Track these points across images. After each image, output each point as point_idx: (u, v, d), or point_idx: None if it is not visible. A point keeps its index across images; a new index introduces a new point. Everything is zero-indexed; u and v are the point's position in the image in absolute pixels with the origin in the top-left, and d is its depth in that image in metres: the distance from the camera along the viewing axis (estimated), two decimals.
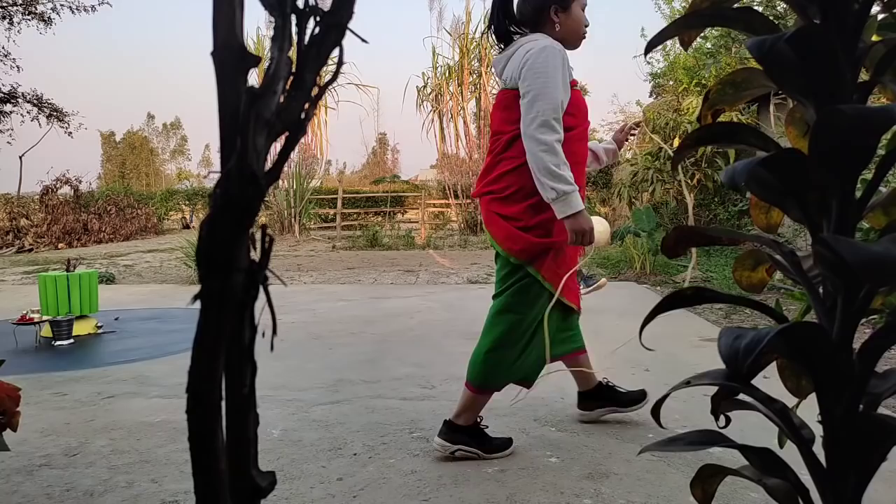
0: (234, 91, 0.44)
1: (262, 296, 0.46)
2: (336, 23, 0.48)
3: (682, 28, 0.85)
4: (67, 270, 4.30)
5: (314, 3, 0.48)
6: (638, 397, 2.47)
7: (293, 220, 14.34)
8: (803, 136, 0.89)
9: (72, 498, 1.88)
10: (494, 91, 14.64)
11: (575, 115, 2.06)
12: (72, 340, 4.05)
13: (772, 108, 7.55)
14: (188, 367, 0.44)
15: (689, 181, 7.18)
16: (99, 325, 4.38)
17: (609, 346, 3.74)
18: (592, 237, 2.00)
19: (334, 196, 15.77)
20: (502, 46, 2.18)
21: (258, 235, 0.46)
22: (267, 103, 0.45)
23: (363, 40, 0.54)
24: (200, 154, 57.03)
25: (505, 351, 2.11)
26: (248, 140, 0.43)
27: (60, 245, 13.02)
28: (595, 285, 5.11)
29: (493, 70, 2.20)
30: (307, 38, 0.48)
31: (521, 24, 2.17)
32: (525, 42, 2.07)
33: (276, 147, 0.48)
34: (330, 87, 0.53)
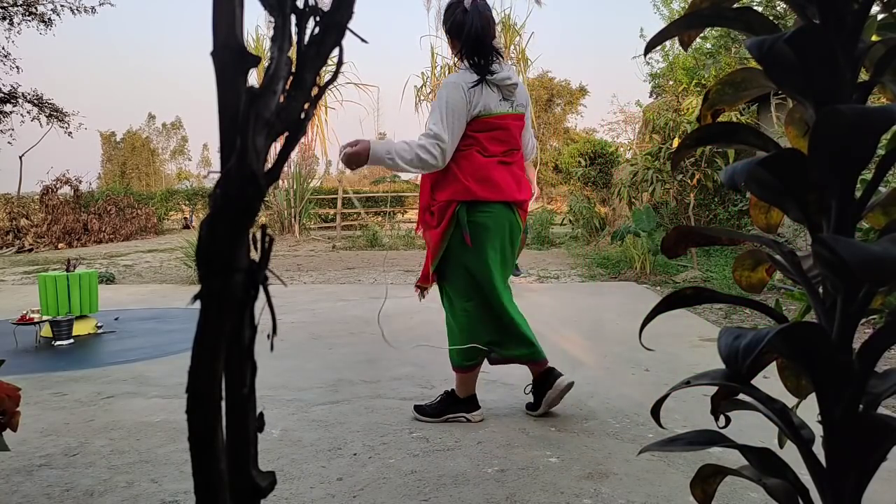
0: (234, 91, 0.44)
1: (262, 296, 0.46)
2: (336, 23, 0.48)
3: (681, 28, 0.85)
4: (67, 270, 4.30)
5: (314, 3, 0.48)
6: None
7: (293, 220, 14.33)
8: (803, 136, 0.89)
9: (71, 498, 1.88)
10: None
11: None
12: (72, 340, 4.05)
13: (772, 108, 7.55)
14: (188, 367, 0.44)
15: (688, 181, 7.17)
16: (99, 325, 4.38)
17: (608, 345, 3.74)
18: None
19: (334, 196, 15.76)
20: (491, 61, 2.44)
21: (258, 235, 0.46)
22: (267, 103, 0.45)
23: (363, 40, 0.54)
24: (200, 154, 57.01)
25: None
26: (247, 140, 0.43)
27: (60, 245, 13.02)
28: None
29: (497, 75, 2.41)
30: (307, 38, 0.48)
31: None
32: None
33: (277, 147, 0.48)
34: (330, 87, 0.53)
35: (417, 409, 2.55)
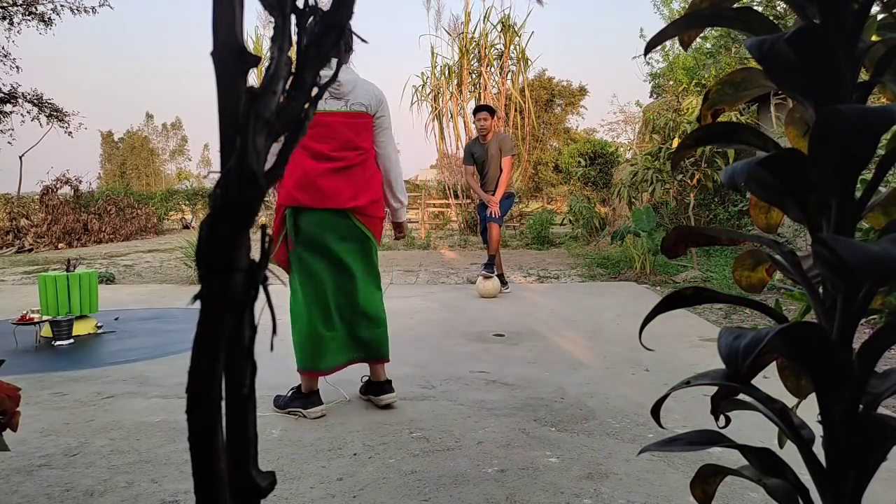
0: (233, 91, 0.44)
1: (262, 296, 0.46)
2: (336, 23, 0.48)
3: (681, 28, 0.85)
4: (67, 270, 4.30)
5: (314, 3, 0.48)
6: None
7: None
8: (803, 136, 0.89)
9: (71, 498, 1.88)
10: (495, 91, 14.64)
11: None
12: (72, 340, 4.05)
13: (772, 108, 7.55)
14: (188, 367, 0.44)
15: (688, 181, 7.17)
16: (99, 325, 4.38)
17: (608, 345, 3.74)
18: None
19: None
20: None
21: (258, 235, 0.46)
22: (267, 103, 0.45)
23: (363, 40, 0.54)
24: (200, 154, 56.94)
25: None
26: (247, 140, 0.44)
27: (60, 245, 13.01)
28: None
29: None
30: (307, 38, 0.48)
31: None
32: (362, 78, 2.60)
33: (276, 147, 0.48)
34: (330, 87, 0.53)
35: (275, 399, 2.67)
